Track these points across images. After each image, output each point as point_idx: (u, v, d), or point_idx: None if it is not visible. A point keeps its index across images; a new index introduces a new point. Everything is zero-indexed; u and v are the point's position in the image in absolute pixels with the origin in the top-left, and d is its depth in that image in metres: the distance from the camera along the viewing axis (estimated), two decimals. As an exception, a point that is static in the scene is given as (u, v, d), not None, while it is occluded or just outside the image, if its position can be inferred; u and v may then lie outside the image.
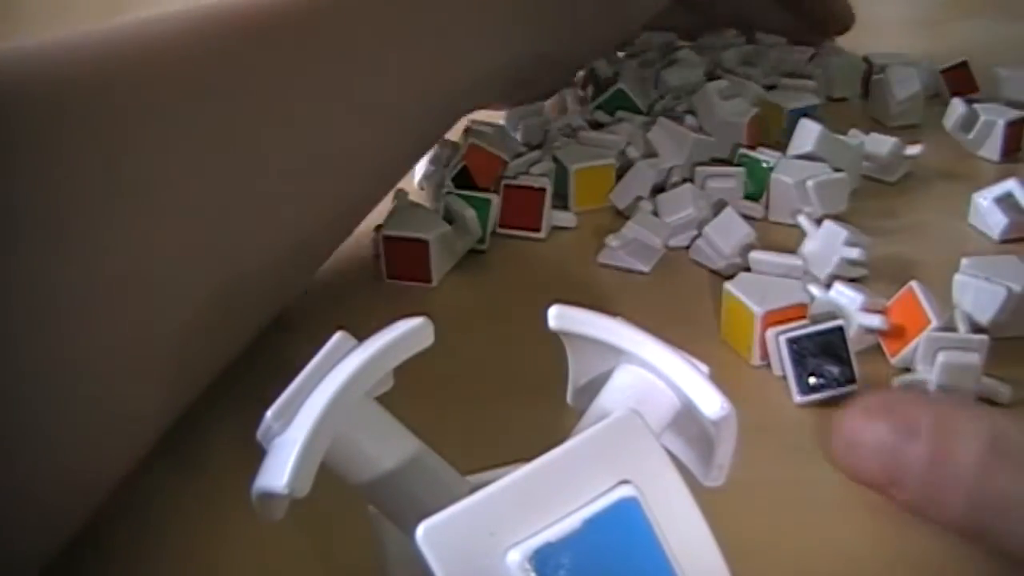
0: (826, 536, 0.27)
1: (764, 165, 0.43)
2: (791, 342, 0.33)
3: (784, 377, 0.33)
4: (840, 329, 0.33)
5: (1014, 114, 0.48)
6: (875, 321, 0.34)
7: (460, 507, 0.16)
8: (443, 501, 0.17)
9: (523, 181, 0.43)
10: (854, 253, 0.37)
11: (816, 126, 0.44)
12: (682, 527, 0.17)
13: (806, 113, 0.48)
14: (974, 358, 0.32)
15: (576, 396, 0.22)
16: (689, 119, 0.48)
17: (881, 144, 0.46)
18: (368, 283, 0.39)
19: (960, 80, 0.54)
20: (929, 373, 0.32)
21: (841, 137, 0.45)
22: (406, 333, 0.19)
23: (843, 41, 0.60)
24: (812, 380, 0.33)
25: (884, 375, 0.33)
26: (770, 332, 0.34)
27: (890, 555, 0.26)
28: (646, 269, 0.40)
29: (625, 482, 0.16)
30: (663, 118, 0.46)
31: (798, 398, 0.33)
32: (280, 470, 0.18)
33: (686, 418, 0.20)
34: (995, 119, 0.47)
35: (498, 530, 0.16)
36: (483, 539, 0.16)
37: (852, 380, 0.33)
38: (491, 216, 0.41)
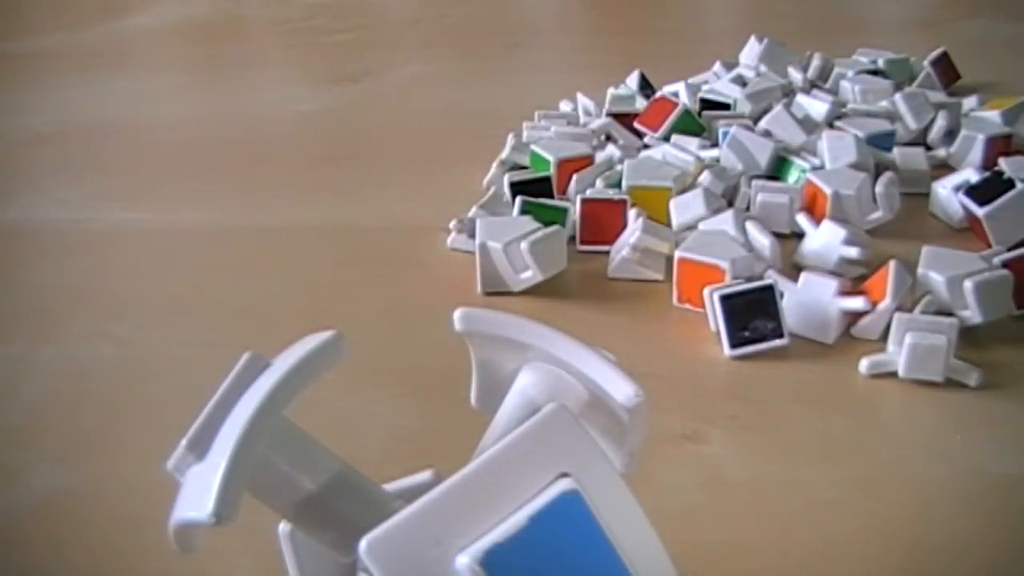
0: (826, 536, 0.27)
1: (800, 168, 0.44)
2: (724, 299, 0.33)
3: (718, 332, 0.34)
4: (770, 287, 0.33)
5: (996, 129, 0.47)
6: (859, 303, 0.34)
7: (403, 517, 0.16)
8: (371, 517, 0.16)
9: (601, 194, 0.42)
10: (853, 252, 0.37)
11: (850, 137, 0.44)
12: (620, 512, 0.16)
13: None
14: (941, 340, 0.31)
15: (482, 398, 0.22)
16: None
17: (912, 158, 0.46)
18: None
19: (944, 70, 0.55)
20: (898, 355, 0.32)
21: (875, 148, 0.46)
22: (319, 348, 0.18)
23: (843, 41, 0.60)
24: (745, 333, 0.33)
25: (856, 350, 0.34)
26: (706, 290, 0.35)
27: (891, 555, 0.26)
28: (660, 277, 0.39)
29: (564, 475, 0.16)
30: (738, 128, 0.46)
31: (729, 351, 0.33)
32: (203, 499, 0.17)
33: (595, 409, 0.20)
34: (975, 134, 0.47)
35: (444, 536, 0.16)
36: (430, 547, 0.16)
37: (781, 335, 0.33)
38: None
